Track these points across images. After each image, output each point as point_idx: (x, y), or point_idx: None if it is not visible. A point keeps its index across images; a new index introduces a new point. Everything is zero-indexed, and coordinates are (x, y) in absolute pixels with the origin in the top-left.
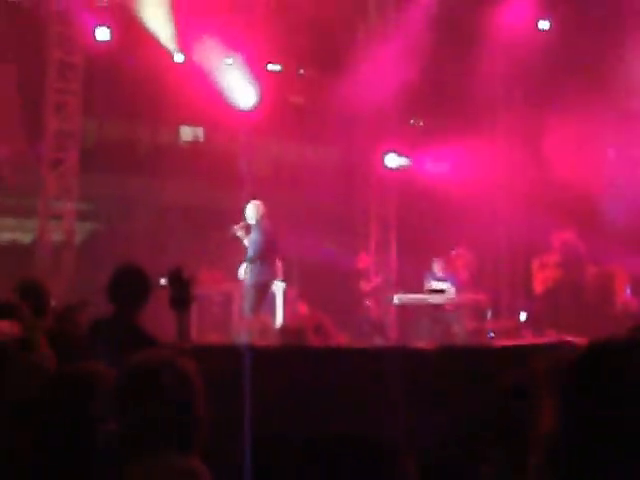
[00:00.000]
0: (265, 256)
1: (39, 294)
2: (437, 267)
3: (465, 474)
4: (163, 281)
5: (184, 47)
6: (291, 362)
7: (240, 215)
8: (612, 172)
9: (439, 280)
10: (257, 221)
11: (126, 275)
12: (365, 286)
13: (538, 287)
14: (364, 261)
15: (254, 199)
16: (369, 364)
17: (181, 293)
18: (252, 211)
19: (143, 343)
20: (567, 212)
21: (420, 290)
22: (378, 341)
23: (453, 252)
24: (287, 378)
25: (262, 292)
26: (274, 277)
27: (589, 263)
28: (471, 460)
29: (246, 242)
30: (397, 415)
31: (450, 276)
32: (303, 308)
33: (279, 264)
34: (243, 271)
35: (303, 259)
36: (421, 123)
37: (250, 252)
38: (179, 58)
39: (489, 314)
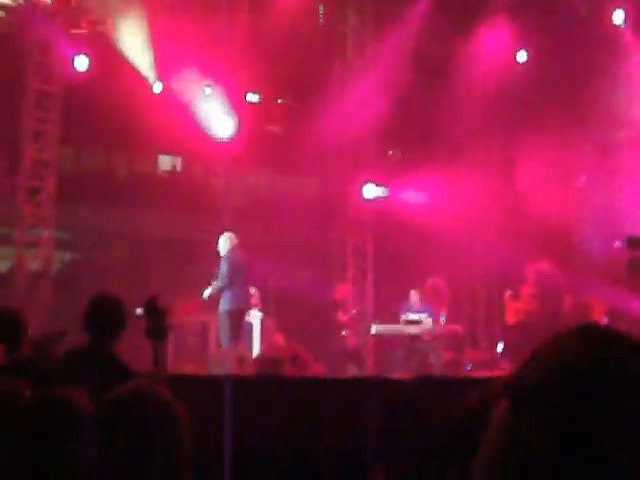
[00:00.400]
0: (234, 285)
1: (16, 323)
2: (414, 298)
3: None
4: (139, 311)
5: (162, 76)
6: (267, 392)
7: (213, 246)
8: (587, 203)
9: (416, 311)
10: (227, 253)
11: (101, 305)
12: (342, 316)
13: (510, 318)
14: (341, 291)
15: (227, 231)
16: (345, 394)
17: (157, 323)
18: (224, 243)
19: (118, 373)
20: (543, 243)
21: (397, 321)
22: (355, 371)
23: (429, 282)
24: (264, 407)
25: (236, 319)
26: (246, 304)
27: (566, 293)
28: None
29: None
30: (371, 440)
31: (426, 307)
32: (280, 339)
33: (254, 293)
34: (207, 295)
35: (280, 289)
36: (399, 154)
37: (219, 283)
38: (157, 88)
39: (464, 345)
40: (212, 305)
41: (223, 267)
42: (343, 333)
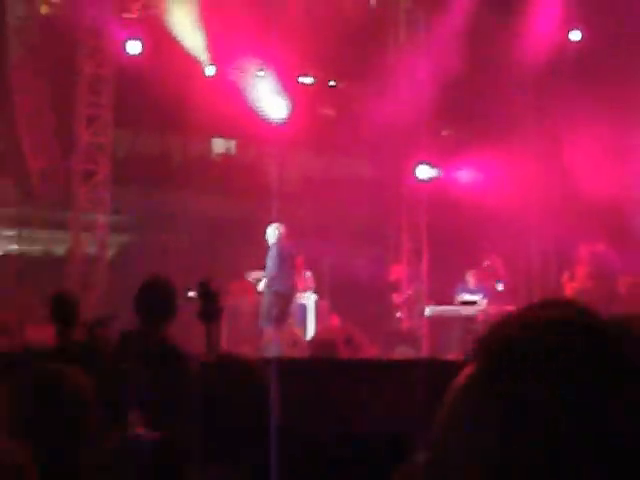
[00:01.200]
0: (282, 272)
1: (69, 305)
2: (470, 279)
3: None
4: (192, 293)
5: (215, 59)
6: (321, 374)
7: (266, 228)
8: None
9: (471, 292)
10: (275, 242)
11: (153, 288)
12: (397, 298)
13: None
14: (396, 273)
15: (274, 222)
16: (399, 376)
17: (210, 305)
18: (272, 233)
19: (171, 355)
20: (598, 222)
21: (451, 302)
22: (409, 353)
23: (485, 263)
24: (316, 389)
25: (283, 302)
26: (292, 291)
27: (621, 274)
28: None
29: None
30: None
31: (482, 287)
32: (335, 320)
33: (309, 276)
34: (262, 285)
35: (334, 271)
36: (452, 134)
37: (268, 272)
38: (210, 71)
39: None
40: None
41: (271, 256)
42: (398, 315)
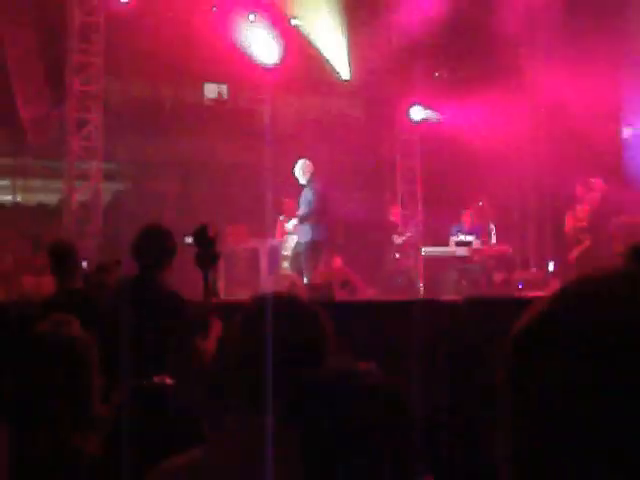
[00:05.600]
0: (318, 216)
1: (67, 255)
2: (465, 219)
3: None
4: (189, 239)
5: (208, 4)
6: None
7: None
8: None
9: (466, 232)
10: (308, 180)
11: (150, 235)
12: (398, 239)
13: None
14: (395, 214)
15: (301, 158)
16: (396, 317)
17: (206, 251)
18: (300, 170)
19: (169, 301)
20: (593, 162)
21: (446, 243)
22: (408, 294)
23: (479, 204)
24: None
25: (316, 251)
26: (326, 237)
27: (618, 212)
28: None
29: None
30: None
31: (476, 228)
32: (337, 261)
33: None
34: (292, 226)
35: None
36: (444, 76)
37: (302, 211)
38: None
39: (515, 265)
40: (262, 231)
41: (308, 195)
42: (397, 255)
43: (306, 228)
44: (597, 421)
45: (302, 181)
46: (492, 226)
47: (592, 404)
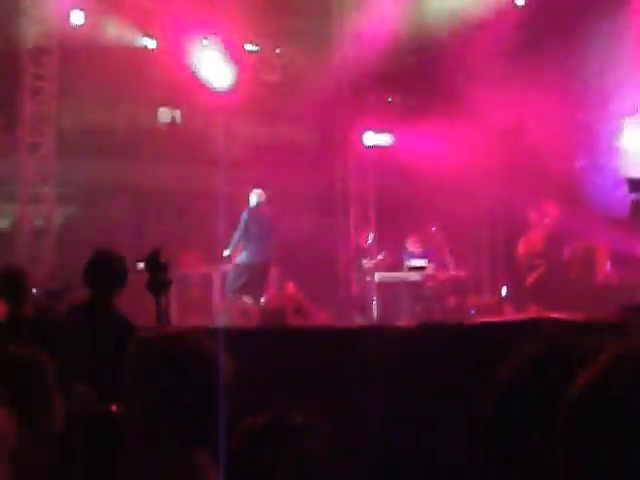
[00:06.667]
0: (253, 240)
1: (18, 281)
2: (411, 243)
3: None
4: (141, 265)
5: (160, 28)
6: (269, 342)
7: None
8: (591, 146)
9: (417, 257)
10: (250, 208)
11: (101, 260)
12: (368, 263)
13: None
14: (354, 240)
15: (254, 183)
16: (349, 343)
17: (158, 276)
18: (254, 199)
19: (120, 327)
20: (547, 187)
21: (401, 268)
22: (360, 320)
23: (432, 229)
24: (266, 357)
25: (258, 273)
26: (268, 259)
27: (572, 237)
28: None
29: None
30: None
31: (428, 252)
32: (290, 286)
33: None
34: (228, 251)
35: (283, 238)
36: (398, 101)
37: (235, 236)
38: (151, 44)
39: (468, 290)
40: (215, 256)
41: (241, 221)
42: (367, 279)
43: (246, 251)
44: None
45: (252, 207)
46: (447, 252)
47: None
